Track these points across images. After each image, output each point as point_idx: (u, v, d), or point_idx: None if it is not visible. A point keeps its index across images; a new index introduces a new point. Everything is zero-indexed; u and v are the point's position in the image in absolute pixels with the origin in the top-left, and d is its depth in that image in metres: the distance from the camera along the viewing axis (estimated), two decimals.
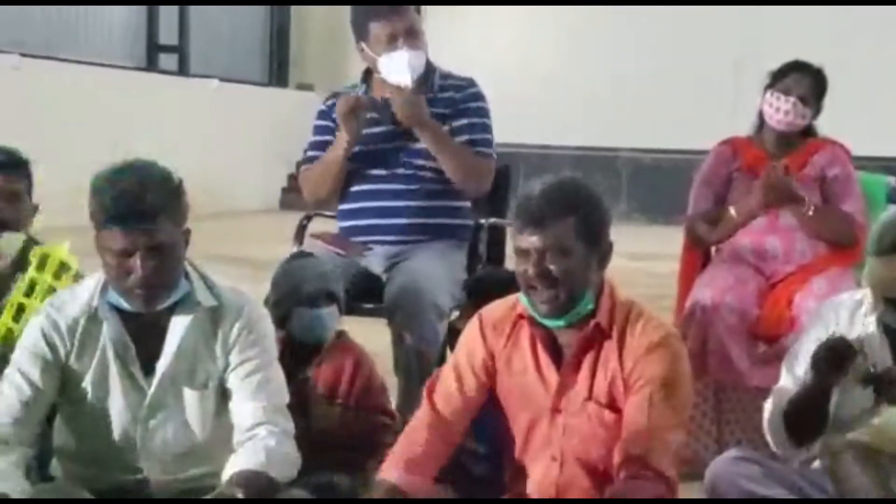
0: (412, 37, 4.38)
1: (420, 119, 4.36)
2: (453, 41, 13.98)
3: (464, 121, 4.47)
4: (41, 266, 3.57)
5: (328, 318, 3.81)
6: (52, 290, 3.53)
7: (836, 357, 3.11)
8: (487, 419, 3.29)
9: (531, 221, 3.00)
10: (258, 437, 3.04)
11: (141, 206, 2.91)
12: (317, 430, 3.63)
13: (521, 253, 3.03)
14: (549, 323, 3.09)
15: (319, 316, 3.78)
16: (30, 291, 3.56)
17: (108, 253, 2.95)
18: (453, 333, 3.78)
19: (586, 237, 3.02)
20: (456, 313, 4.08)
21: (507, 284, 3.50)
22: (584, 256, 3.03)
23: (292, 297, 3.76)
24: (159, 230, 2.93)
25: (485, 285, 3.79)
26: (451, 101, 4.50)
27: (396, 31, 4.37)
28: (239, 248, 10.54)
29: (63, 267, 3.59)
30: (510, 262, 4.46)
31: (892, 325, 3.21)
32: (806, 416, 3.23)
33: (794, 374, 3.33)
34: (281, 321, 3.70)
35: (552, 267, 2.99)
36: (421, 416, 3.26)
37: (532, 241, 3.00)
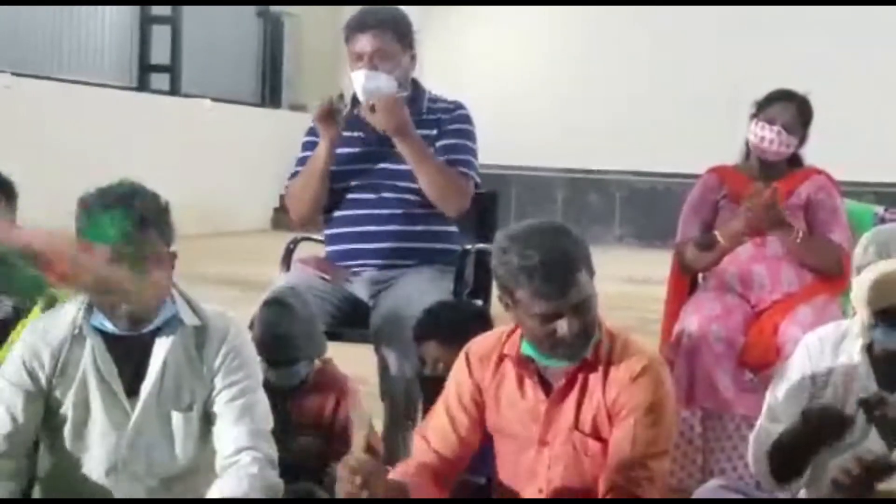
0: (377, 58, 4.34)
1: (401, 127, 4.31)
2: (448, 64, 14.03)
3: (447, 141, 4.44)
4: (50, 306, 3.51)
5: (296, 371, 3.81)
6: None
7: (829, 426, 3.09)
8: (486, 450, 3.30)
9: (561, 286, 2.95)
10: (241, 464, 3.02)
11: (129, 214, 2.92)
12: (295, 459, 3.62)
13: (552, 317, 2.98)
14: (557, 363, 3.09)
15: (287, 373, 3.78)
16: None
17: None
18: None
19: (591, 275, 3.04)
20: None
21: (454, 324, 3.59)
22: (594, 294, 3.04)
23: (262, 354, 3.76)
24: (146, 240, 2.95)
25: (431, 324, 3.82)
26: (438, 122, 4.48)
27: (362, 49, 4.35)
28: (230, 268, 10.54)
29: None
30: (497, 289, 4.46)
31: (882, 344, 3.18)
32: (791, 458, 3.22)
33: (776, 408, 3.32)
34: None
35: (586, 320, 3.01)
36: (417, 455, 3.24)
37: (569, 302, 2.96)
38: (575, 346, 3.02)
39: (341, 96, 4.43)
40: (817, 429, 3.08)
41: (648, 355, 3.13)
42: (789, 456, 3.20)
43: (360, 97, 4.39)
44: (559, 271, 2.94)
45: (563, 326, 2.97)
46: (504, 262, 2.99)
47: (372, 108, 4.33)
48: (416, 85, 4.54)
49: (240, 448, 3.04)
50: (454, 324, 3.70)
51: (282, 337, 3.77)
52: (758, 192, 4.35)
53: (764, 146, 4.54)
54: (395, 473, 3.16)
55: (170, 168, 11.41)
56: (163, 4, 14.23)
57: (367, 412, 4.00)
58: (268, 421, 3.14)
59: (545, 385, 3.14)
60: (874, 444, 3.14)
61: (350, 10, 4.60)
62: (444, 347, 3.63)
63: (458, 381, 3.24)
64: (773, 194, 4.34)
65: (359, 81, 4.36)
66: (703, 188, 4.70)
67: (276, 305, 3.89)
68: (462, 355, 3.27)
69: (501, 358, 3.18)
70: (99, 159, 10.47)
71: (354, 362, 4.16)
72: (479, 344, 3.26)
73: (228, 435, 3.07)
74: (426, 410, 3.57)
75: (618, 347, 3.11)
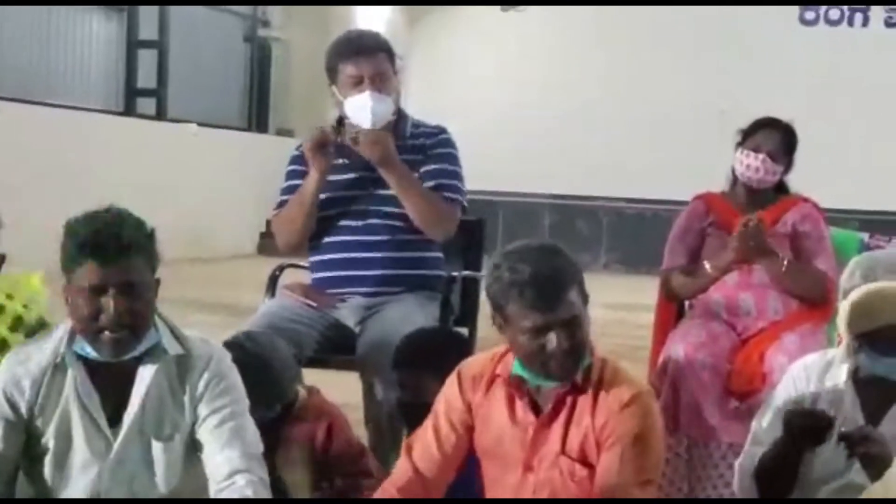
0: (379, 81, 4.35)
1: (386, 158, 4.31)
2: (434, 89, 14.05)
3: (432, 166, 4.43)
4: (10, 295, 3.47)
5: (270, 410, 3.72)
6: (19, 318, 3.39)
7: (811, 428, 3.11)
8: (471, 476, 3.29)
9: (551, 299, 2.98)
10: (236, 487, 2.99)
11: (117, 240, 2.91)
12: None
13: (542, 331, 3.00)
14: (550, 384, 3.10)
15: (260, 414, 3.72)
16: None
17: (80, 292, 2.93)
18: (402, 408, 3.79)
19: (584, 299, 3.06)
20: None
21: (430, 352, 3.61)
22: (586, 317, 3.07)
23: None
24: (133, 267, 2.93)
25: (410, 351, 3.80)
26: (422, 147, 4.47)
27: (362, 73, 4.35)
28: (216, 293, 10.54)
29: (33, 298, 3.47)
30: (483, 316, 4.48)
31: (866, 369, 3.19)
32: (776, 477, 3.23)
33: (762, 435, 3.33)
34: None
35: (575, 338, 3.02)
36: (398, 473, 3.25)
37: (558, 316, 2.98)
38: (565, 364, 3.03)
39: (334, 127, 4.42)
40: (800, 433, 3.09)
41: (638, 385, 3.14)
42: (775, 468, 3.21)
43: (368, 120, 4.35)
44: (549, 285, 2.98)
45: (552, 340, 2.98)
46: (496, 277, 3.03)
47: (355, 140, 4.32)
48: (398, 110, 4.53)
49: (234, 471, 3.02)
50: (433, 351, 3.69)
51: (261, 377, 3.69)
52: (748, 222, 4.37)
53: (750, 174, 4.56)
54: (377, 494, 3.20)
55: (156, 193, 11.41)
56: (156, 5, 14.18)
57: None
58: (258, 445, 3.12)
59: (535, 408, 3.14)
60: (858, 475, 3.14)
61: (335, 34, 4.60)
62: (423, 374, 3.62)
63: (448, 399, 3.25)
64: (757, 224, 4.36)
65: (365, 104, 4.33)
66: (690, 215, 4.72)
67: (248, 345, 3.79)
68: (454, 374, 3.27)
69: (493, 378, 3.19)
70: (85, 184, 10.46)
71: (340, 389, 4.14)
72: (472, 363, 3.28)
73: (220, 459, 3.04)
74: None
75: (608, 374, 3.11)
